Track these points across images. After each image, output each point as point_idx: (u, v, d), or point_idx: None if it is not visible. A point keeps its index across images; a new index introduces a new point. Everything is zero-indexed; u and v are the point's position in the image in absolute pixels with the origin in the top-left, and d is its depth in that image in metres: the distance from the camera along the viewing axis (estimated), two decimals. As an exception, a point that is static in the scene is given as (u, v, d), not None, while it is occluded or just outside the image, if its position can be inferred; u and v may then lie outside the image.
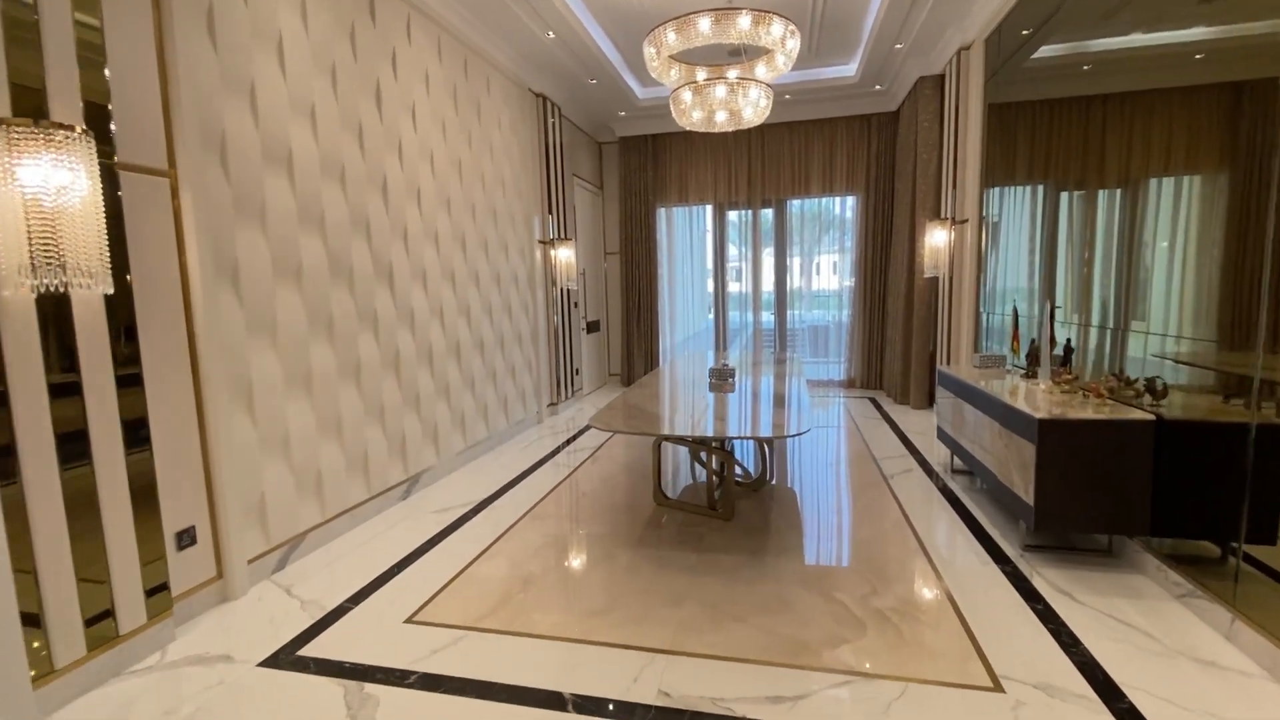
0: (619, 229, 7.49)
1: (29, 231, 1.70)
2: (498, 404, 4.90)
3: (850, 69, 5.99)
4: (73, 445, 1.91)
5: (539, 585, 2.60)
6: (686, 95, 3.82)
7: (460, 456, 4.33)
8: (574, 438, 5.14)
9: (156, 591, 2.16)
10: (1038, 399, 2.85)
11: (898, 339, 6.27)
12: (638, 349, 7.47)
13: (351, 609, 2.44)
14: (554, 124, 5.86)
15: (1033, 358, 3.47)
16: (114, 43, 2.05)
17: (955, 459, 4.06)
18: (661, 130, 7.05)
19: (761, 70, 3.64)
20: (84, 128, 1.77)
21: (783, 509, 3.42)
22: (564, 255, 5.89)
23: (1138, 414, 2.50)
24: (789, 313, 7.22)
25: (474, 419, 4.53)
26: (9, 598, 1.71)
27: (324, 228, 3.07)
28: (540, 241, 5.72)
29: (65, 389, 1.89)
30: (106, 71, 2.02)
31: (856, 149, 6.72)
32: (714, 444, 3.21)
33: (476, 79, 4.58)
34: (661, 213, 7.38)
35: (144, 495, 2.13)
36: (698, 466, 4.10)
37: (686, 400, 3.57)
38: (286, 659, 2.10)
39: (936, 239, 5.22)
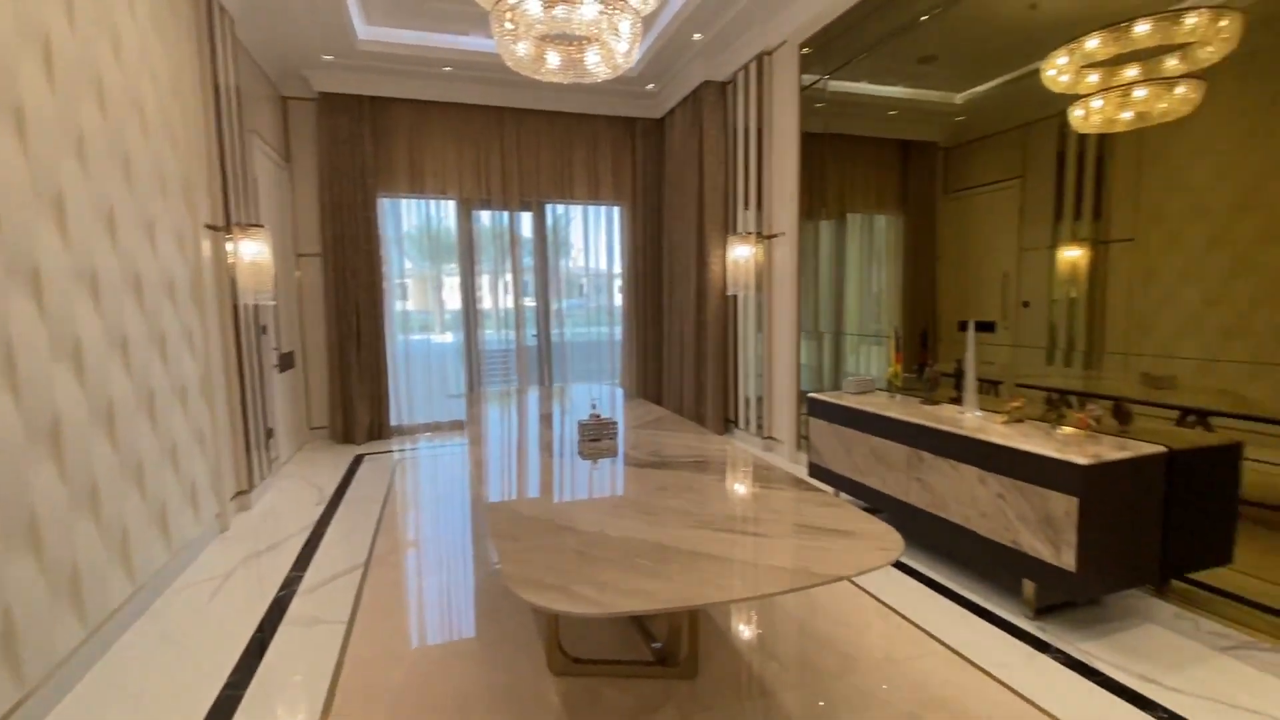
0: (319, 221, 5.29)
1: None
2: (148, 521, 2.58)
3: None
4: None
5: None
6: (533, 4, 2.44)
7: (75, 661, 2.01)
8: (303, 557, 3.08)
9: None
10: (1044, 439, 2.42)
11: (685, 360, 5.73)
12: (360, 390, 5.36)
13: None
14: (224, 43, 3.61)
15: (933, 382, 3.17)
16: None
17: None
18: (388, 93, 5.21)
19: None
20: None
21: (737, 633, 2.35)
22: (251, 252, 3.68)
23: (1149, 448, 2.24)
24: (555, 332, 6.12)
25: (98, 569, 2.21)
26: None
27: None
28: (209, 227, 3.42)
29: None
30: None
31: (620, 154, 6.05)
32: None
33: (76, -110, 2.30)
34: (386, 205, 5.47)
35: None
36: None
37: (600, 486, 2.19)
38: None
39: (739, 254, 4.84)
